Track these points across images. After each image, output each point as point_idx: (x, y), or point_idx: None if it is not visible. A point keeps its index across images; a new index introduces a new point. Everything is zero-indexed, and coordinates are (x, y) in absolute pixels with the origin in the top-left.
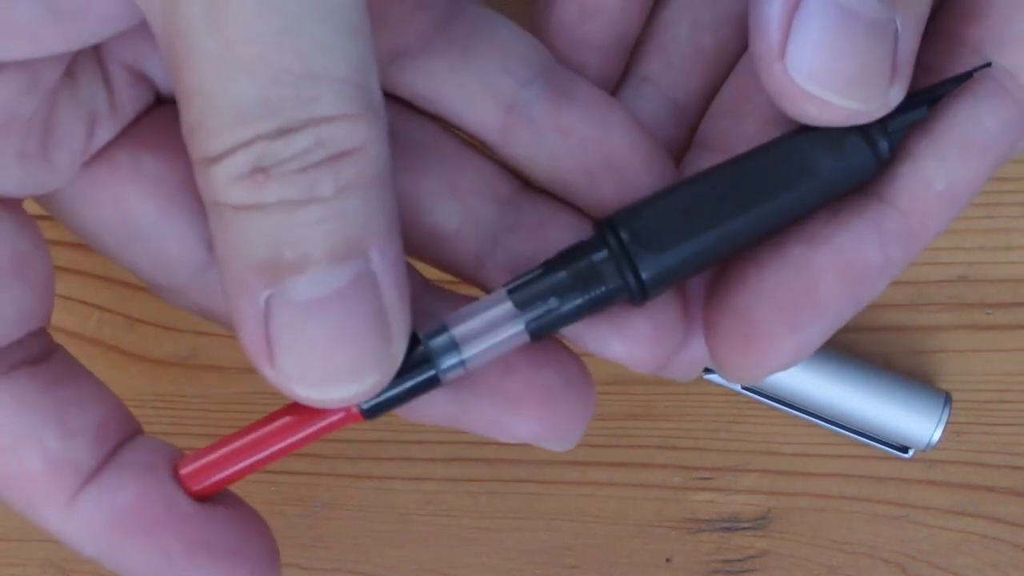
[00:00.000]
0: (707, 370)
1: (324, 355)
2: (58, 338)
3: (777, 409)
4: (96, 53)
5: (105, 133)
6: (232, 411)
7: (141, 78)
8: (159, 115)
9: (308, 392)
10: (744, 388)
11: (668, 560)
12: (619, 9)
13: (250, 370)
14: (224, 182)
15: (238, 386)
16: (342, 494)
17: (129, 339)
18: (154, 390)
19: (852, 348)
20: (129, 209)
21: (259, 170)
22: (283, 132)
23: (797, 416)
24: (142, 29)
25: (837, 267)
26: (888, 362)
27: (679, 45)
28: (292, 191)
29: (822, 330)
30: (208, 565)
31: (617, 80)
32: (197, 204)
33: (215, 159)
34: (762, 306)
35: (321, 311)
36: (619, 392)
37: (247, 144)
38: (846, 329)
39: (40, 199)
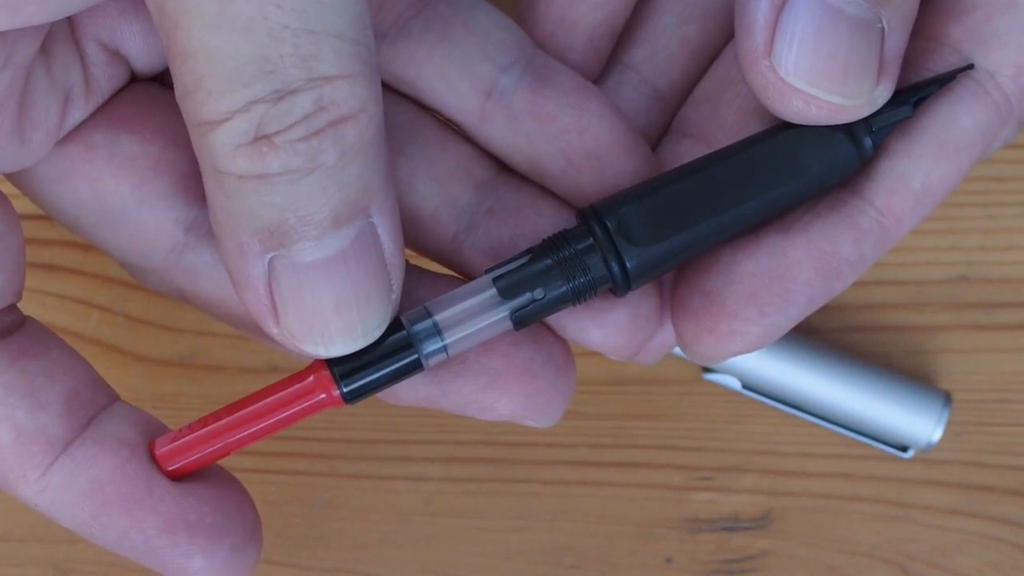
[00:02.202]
0: (706, 370)
1: (330, 314)
2: None
3: (777, 409)
4: (71, 30)
5: (79, 112)
6: None
7: (116, 56)
8: (135, 95)
9: (314, 349)
10: (744, 388)
11: (668, 560)
12: None
13: (250, 370)
14: (226, 150)
15: (238, 386)
16: (342, 494)
17: (129, 339)
18: (154, 390)
19: (852, 348)
20: (105, 190)
21: (262, 138)
22: (283, 95)
23: (797, 416)
24: (117, 5)
25: (811, 258)
26: (888, 362)
27: (664, 34)
28: (296, 160)
29: (790, 317)
30: (187, 543)
31: (603, 65)
32: (173, 185)
33: (214, 124)
34: (733, 289)
35: (326, 272)
36: (619, 392)
37: (246, 108)
38: (846, 329)
39: (13, 178)
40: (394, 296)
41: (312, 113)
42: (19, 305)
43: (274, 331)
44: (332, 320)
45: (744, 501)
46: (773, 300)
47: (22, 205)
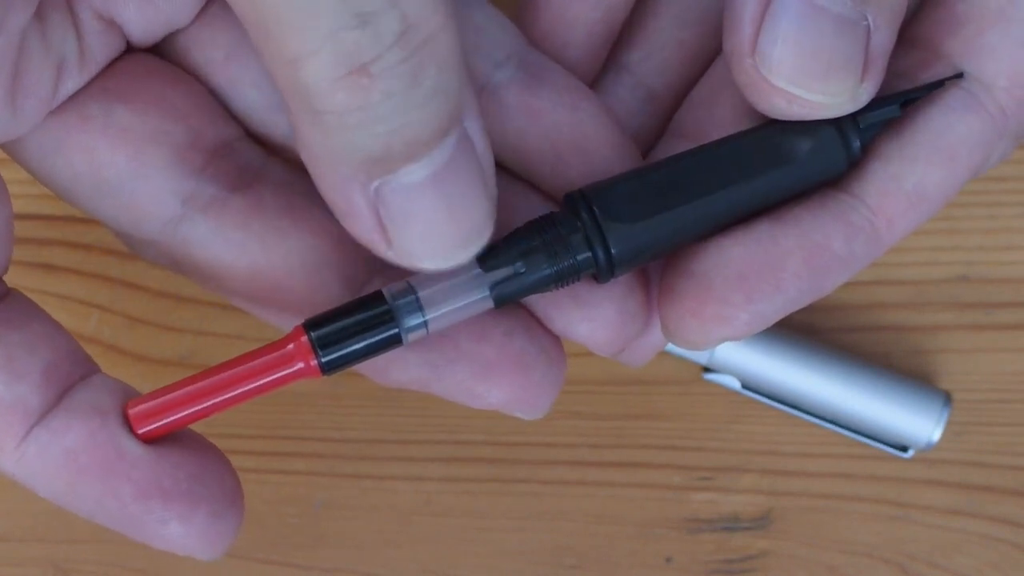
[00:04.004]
0: (706, 370)
1: (443, 226)
2: None
3: (777, 409)
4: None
5: (73, 81)
6: (231, 410)
7: (112, 25)
8: (130, 65)
9: (432, 264)
10: (744, 388)
11: (668, 560)
12: None
13: None
14: (323, 86)
15: None
16: (342, 494)
17: (129, 339)
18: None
19: (852, 348)
20: (100, 161)
21: (359, 69)
22: (366, 18)
23: (797, 416)
24: None
25: (802, 248)
26: (888, 362)
27: (661, 37)
28: (397, 85)
29: (778, 307)
30: (163, 510)
31: (600, 65)
32: (170, 157)
33: (303, 59)
34: (721, 272)
35: (434, 186)
36: (619, 392)
37: (333, 38)
38: (846, 329)
39: (7, 148)
40: (492, 197)
41: (403, 33)
42: None
43: (388, 255)
44: (446, 230)
45: (744, 501)
46: (762, 287)
47: (21, 205)
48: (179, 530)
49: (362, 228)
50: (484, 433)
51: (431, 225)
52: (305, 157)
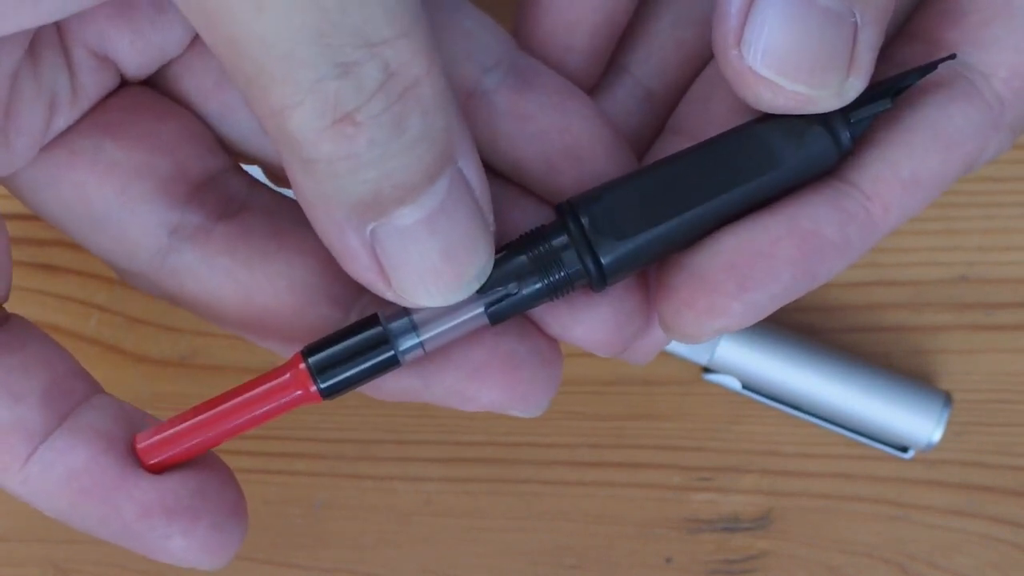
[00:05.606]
0: (707, 370)
1: (440, 266)
2: (56, 338)
3: (777, 409)
4: (60, 36)
5: (66, 117)
6: None
7: (106, 62)
8: (122, 100)
9: (432, 303)
10: (744, 388)
11: (668, 560)
12: None
13: (250, 370)
14: (309, 136)
15: None
16: (342, 494)
17: (129, 339)
18: (154, 390)
19: (852, 348)
20: (89, 195)
21: (344, 118)
22: (348, 67)
23: (797, 416)
24: (106, 9)
25: (794, 235)
26: (888, 362)
27: (659, 37)
28: (383, 133)
29: (772, 295)
30: (165, 526)
31: (604, 66)
32: (156, 189)
33: (288, 110)
34: (713, 263)
35: (428, 228)
36: (619, 392)
37: (315, 89)
38: (846, 329)
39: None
40: (491, 232)
41: (385, 82)
42: (19, 305)
43: (388, 295)
44: (444, 271)
45: (744, 501)
46: (754, 275)
47: (21, 205)
48: (182, 544)
49: (361, 269)
50: (484, 433)
51: (428, 266)
52: (300, 200)
